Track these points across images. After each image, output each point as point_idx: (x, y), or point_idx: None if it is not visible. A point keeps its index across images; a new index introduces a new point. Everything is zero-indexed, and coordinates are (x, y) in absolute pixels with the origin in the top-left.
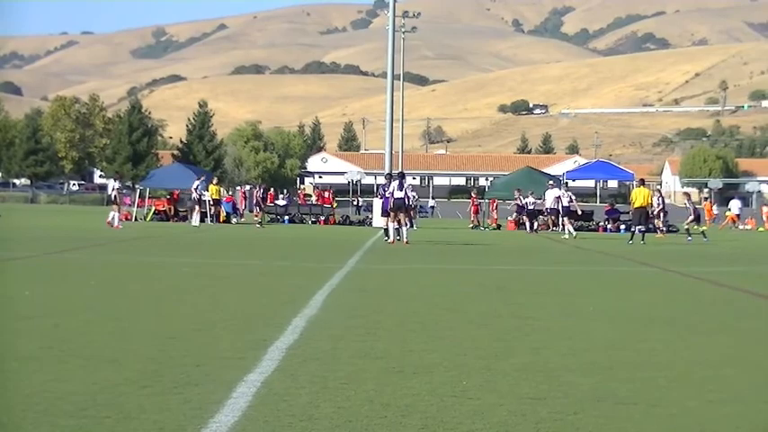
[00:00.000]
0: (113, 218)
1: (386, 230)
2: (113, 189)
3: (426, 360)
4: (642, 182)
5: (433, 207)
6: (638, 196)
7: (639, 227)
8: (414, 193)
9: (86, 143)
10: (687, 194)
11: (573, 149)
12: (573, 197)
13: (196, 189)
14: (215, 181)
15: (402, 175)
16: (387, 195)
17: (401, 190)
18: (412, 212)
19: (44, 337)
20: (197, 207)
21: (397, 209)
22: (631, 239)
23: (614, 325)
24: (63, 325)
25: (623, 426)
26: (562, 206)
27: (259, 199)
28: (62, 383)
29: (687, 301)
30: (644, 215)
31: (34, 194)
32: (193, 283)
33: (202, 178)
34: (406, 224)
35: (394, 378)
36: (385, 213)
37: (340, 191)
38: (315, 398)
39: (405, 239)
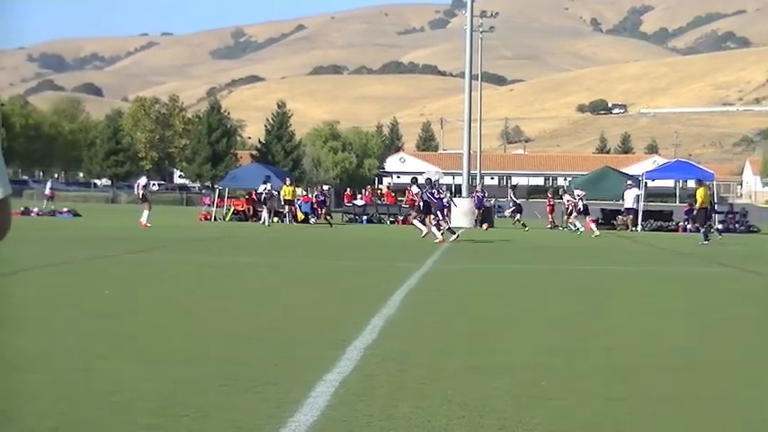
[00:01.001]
0: (146, 217)
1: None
2: (142, 187)
3: (504, 360)
4: (700, 182)
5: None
6: (699, 197)
7: (701, 226)
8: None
9: (166, 143)
10: None
11: (652, 149)
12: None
13: (263, 190)
14: (288, 182)
15: (430, 182)
16: (434, 198)
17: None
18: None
19: (123, 336)
20: (264, 207)
21: (438, 210)
22: (706, 239)
23: (692, 325)
24: (142, 324)
25: (704, 427)
26: (582, 205)
27: (320, 201)
28: (141, 382)
29: (766, 303)
30: (705, 215)
31: (115, 194)
32: (271, 283)
33: (268, 182)
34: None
35: (472, 378)
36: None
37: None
38: (393, 397)
39: (438, 237)
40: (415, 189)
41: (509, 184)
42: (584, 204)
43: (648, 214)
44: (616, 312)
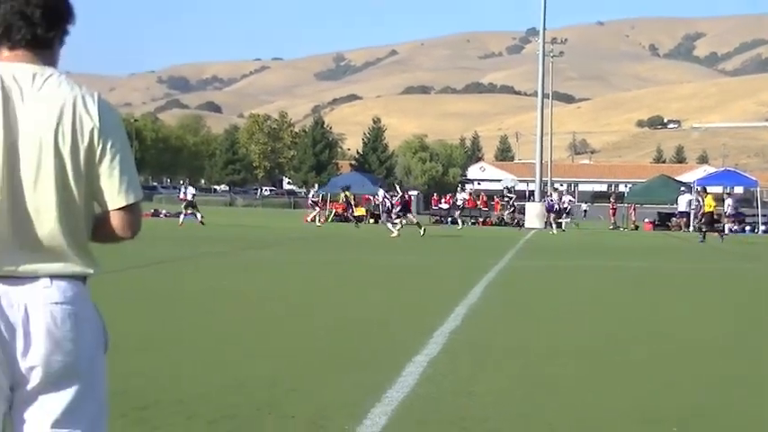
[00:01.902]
0: (182, 218)
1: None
2: (188, 193)
3: (571, 344)
4: (705, 190)
5: (585, 211)
6: (707, 203)
7: (705, 228)
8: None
9: (276, 154)
10: None
11: (703, 159)
12: (567, 199)
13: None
14: (342, 190)
15: (394, 186)
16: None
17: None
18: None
19: (238, 323)
20: (317, 208)
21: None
22: (703, 239)
23: (739, 315)
24: (255, 311)
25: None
26: (559, 205)
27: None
28: (254, 361)
29: None
30: (711, 219)
31: (232, 199)
32: (368, 277)
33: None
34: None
35: (543, 361)
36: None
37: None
38: (474, 377)
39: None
40: (381, 192)
41: (549, 188)
42: (563, 206)
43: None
44: (669, 304)
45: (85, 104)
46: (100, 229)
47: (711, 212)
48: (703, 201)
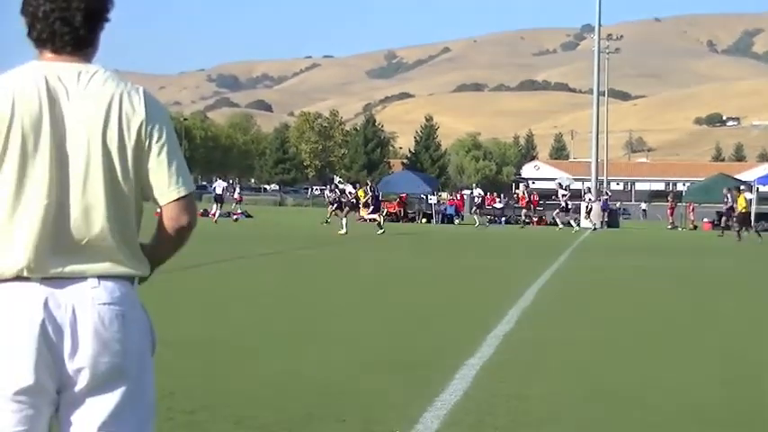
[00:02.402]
0: (216, 211)
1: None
2: (221, 188)
3: (621, 344)
4: (739, 190)
5: (645, 210)
6: (740, 202)
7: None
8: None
9: (327, 153)
10: None
11: (763, 157)
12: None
13: (334, 190)
14: (358, 185)
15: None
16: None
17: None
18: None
19: (288, 321)
20: (332, 206)
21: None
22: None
23: None
24: (305, 312)
25: None
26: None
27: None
28: (304, 364)
29: None
30: (745, 218)
31: (282, 198)
32: (418, 278)
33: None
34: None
35: (599, 367)
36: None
37: (551, 195)
38: (528, 380)
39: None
40: (350, 188)
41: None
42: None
43: (760, 216)
44: (721, 302)
45: (131, 99)
46: (159, 236)
47: (747, 212)
48: (736, 200)
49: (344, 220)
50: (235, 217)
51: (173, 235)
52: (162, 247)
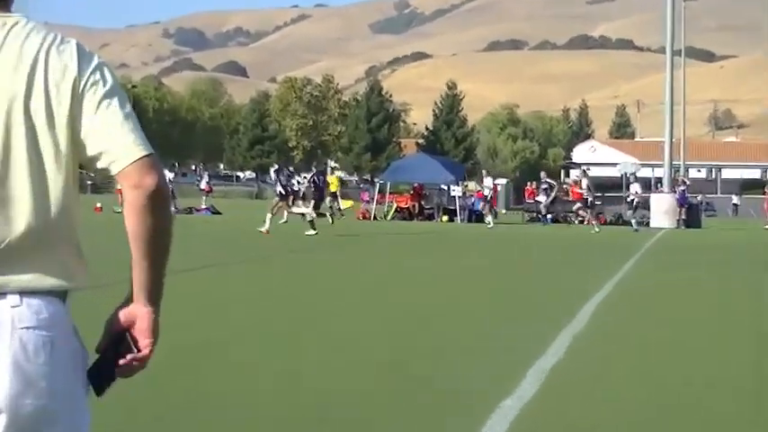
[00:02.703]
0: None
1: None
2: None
3: (707, 371)
4: None
5: (736, 205)
6: None
7: None
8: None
9: (319, 131)
10: None
11: None
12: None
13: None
14: (330, 169)
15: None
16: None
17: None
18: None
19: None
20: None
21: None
22: None
23: None
24: (352, 319)
25: None
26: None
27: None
28: (358, 371)
29: None
30: None
31: (260, 189)
32: (428, 291)
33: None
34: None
35: (675, 387)
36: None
37: (611, 185)
38: (595, 393)
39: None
40: (296, 178)
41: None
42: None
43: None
44: None
45: (61, 55)
46: (131, 221)
47: None
48: None
49: (270, 216)
50: (198, 213)
51: (143, 209)
52: (143, 236)
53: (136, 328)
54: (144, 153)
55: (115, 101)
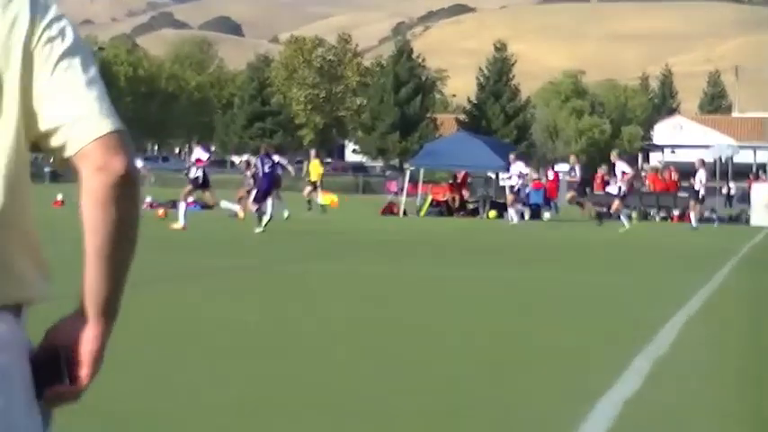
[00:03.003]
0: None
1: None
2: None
3: None
4: None
5: None
6: None
7: None
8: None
9: (334, 104)
10: None
11: None
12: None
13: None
14: (313, 154)
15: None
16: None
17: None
18: None
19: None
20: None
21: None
22: None
23: None
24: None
25: None
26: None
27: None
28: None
29: None
30: None
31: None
32: (485, 306)
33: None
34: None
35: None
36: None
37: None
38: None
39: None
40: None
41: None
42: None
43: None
44: None
45: (8, 3)
46: (87, 214)
47: None
48: None
49: (182, 208)
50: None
51: (107, 198)
52: (104, 232)
53: (77, 352)
54: (111, 128)
55: (76, 61)
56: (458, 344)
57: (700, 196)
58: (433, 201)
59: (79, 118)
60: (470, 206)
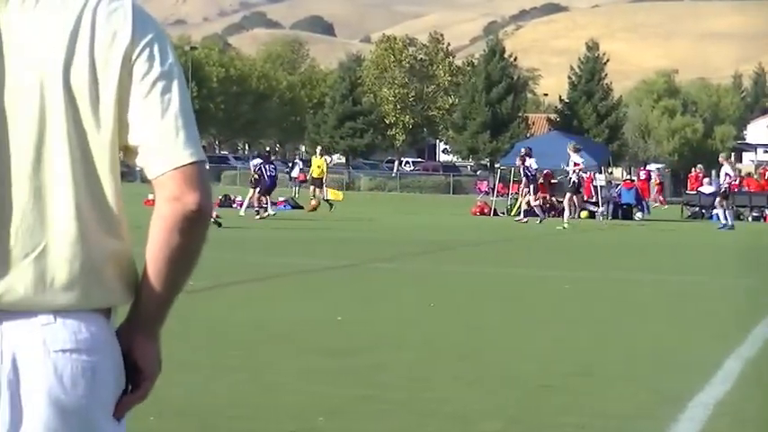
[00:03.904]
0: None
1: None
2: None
3: None
4: None
5: None
6: None
7: None
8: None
9: (425, 104)
10: None
11: None
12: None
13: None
14: (318, 151)
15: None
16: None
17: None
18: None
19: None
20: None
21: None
22: None
23: None
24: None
25: None
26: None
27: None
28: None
29: None
30: None
31: (351, 177)
32: (577, 306)
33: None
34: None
35: None
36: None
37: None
38: None
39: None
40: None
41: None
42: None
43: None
44: None
45: (111, 15)
46: (153, 236)
47: None
48: None
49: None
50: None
51: (176, 228)
52: (168, 257)
53: (138, 366)
54: (189, 160)
55: (171, 86)
56: (551, 346)
57: (724, 192)
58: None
59: (161, 145)
60: (560, 206)
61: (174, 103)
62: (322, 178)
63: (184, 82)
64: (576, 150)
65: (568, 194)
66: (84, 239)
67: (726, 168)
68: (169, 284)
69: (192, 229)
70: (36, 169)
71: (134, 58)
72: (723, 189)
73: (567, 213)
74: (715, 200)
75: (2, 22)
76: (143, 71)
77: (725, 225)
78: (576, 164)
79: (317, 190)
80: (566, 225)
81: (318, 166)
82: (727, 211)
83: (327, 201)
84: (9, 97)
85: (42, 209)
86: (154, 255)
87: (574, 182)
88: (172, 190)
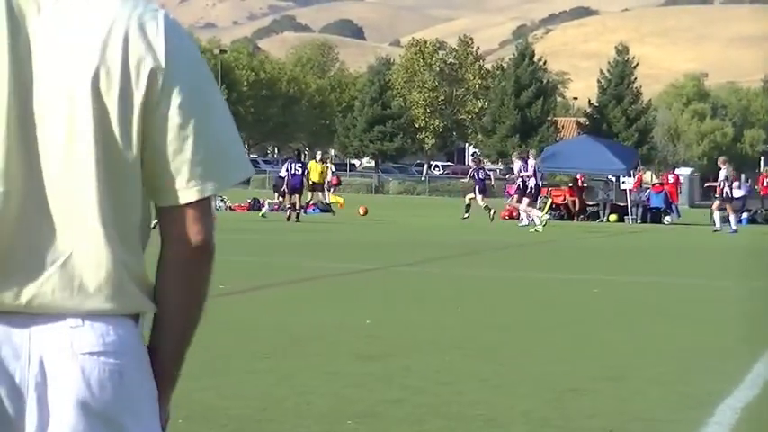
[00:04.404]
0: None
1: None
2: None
3: None
4: None
5: None
6: None
7: None
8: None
9: (454, 107)
10: None
11: None
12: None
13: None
14: (318, 156)
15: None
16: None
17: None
18: None
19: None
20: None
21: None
22: None
23: None
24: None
25: None
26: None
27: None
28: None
29: None
30: None
31: (381, 181)
32: (606, 309)
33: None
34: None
35: None
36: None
37: None
38: None
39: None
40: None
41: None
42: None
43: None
44: None
45: (144, 30)
46: (160, 273)
47: None
48: None
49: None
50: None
51: (184, 267)
52: (177, 300)
53: None
54: (197, 197)
55: (199, 111)
56: (580, 349)
57: (724, 195)
58: (552, 204)
59: (174, 177)
60: (590, 209)
61: (203, 131)
62: (323, 183)
63: (218, 103)
64: (522, 158)
65: (525, 201)
66: (111, 244)
67: (724, 172)
68: (177, 327)
69: (201, 264)
70: (64, 175)
71: (162, 77)
72: (724, 194)
73: (525, 220)
74: (743, 204)
75: (34, 28)
76: (171, 90)
77: (720, 230)
78: (519, 171)
79: (320, 194)
80: (539, 229)
81: (321, 172)
82: (731, 216)
83: (329, 205)
84: (39, 104)
85: (70, 213)
86: (164, 300)
87: (519, 186)
88: (177, 228)
